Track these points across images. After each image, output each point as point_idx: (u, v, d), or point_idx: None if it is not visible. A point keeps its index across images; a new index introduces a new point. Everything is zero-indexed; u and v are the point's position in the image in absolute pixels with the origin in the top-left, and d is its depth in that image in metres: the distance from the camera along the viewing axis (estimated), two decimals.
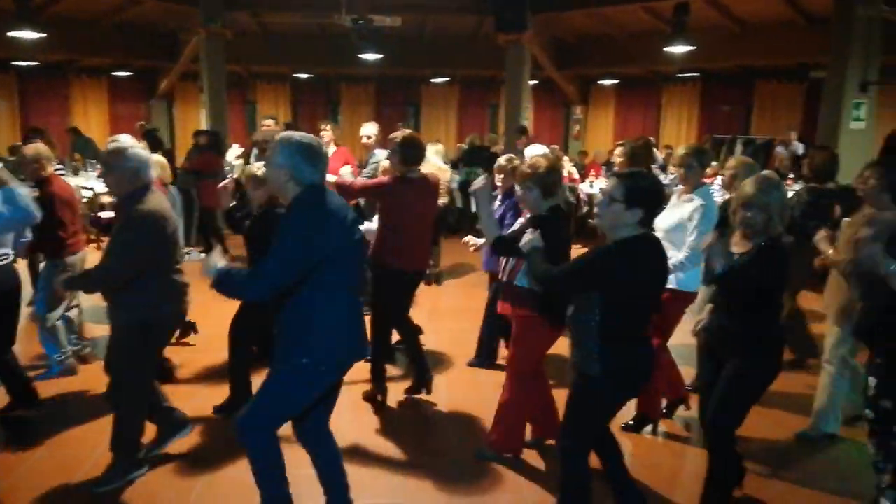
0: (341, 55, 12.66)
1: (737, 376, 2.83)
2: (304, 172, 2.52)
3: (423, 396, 4.32)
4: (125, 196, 3.11)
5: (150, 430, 3.41)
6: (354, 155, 7.08)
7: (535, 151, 4.55)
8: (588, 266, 2.63)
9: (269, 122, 7.65)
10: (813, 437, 3.84)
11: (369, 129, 5.96)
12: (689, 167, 3.81)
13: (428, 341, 4.99)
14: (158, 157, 4.91)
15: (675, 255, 3.61)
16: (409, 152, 3.98)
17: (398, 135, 4.01)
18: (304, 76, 15.73)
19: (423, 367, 4.29)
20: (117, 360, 3.23)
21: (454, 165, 11.91)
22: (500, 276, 3.49)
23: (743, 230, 2.84)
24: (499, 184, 4.64)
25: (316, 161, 2.55)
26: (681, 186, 3.91)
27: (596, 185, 9.91)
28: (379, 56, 10.85)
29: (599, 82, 15.85)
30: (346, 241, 2.56)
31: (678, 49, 9.55)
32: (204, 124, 11.03)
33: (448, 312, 6.34)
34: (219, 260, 2.58)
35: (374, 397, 4.24)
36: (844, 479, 3.46)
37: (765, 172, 3.04)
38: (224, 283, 2.53)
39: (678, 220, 3.75)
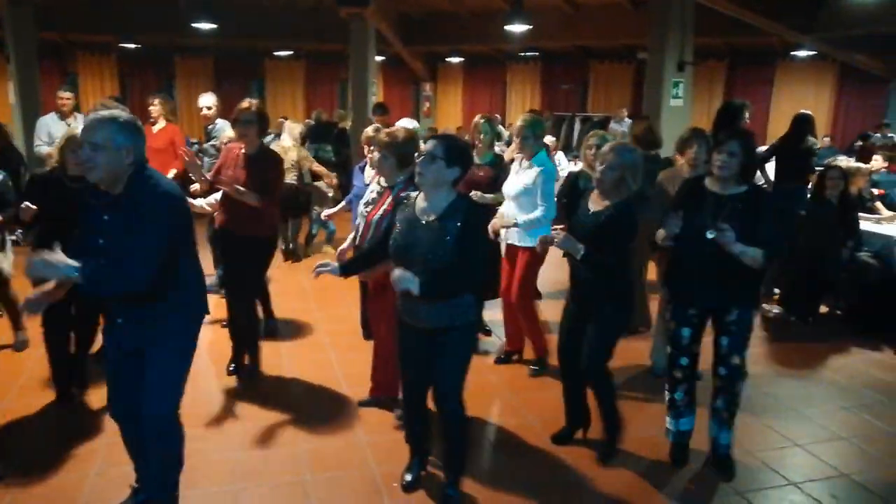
0: (173, 24, 11.79)
1: (604, 322, 3.21)
2: (142, 150, 2.46)
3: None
4: None
5: None
6: (193, 129, 6.59)
7: (405, 125, 4.58)
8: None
9: (67, 94, 6.82)
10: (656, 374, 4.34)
11: (208, 100, 5.71)
12: (525, 137, 4.17)
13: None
14: None
15: (523, 216, 4.10)
16: (266, 124, 4.13)
17: (253, 104, 4.00)
18: (133, 46, 14.49)
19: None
20: None
21: (301, 142, 11.56)
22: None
23: (600, 188, 3.18)
24: (369, 155, 4.55)
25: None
26: (520, 155, 4.28)
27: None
28: (214, 26, 10.19)
29: (447, 59, 16.04)
30: None
31: (517, 28, 9.83)
32: (12, 98, 9.86)
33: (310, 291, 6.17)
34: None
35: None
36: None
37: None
38: (94, 276, 2.32)
39: (524, 185, 4.14)
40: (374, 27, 11.51)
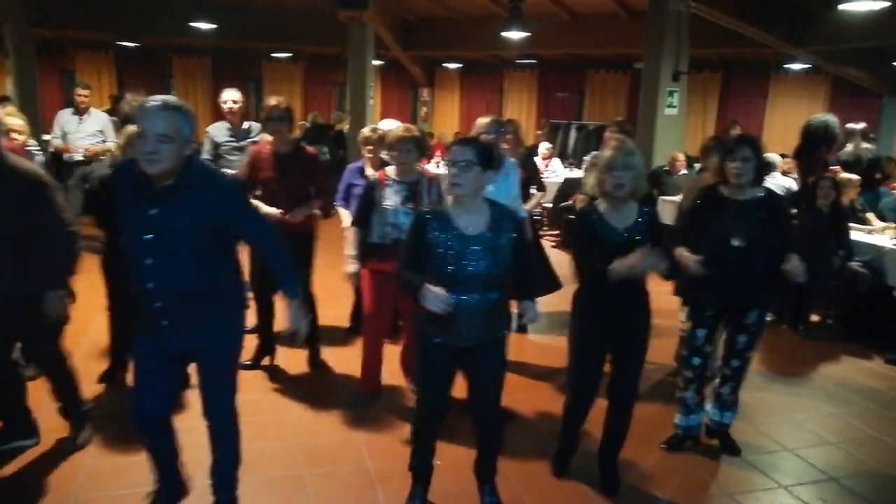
0: (171, 24, 11.82)
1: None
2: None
3: None
4: None
5: None
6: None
7: (390, 125, 4.56)
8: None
9: (85, 91, 7.06)
10: None
11: (234, 94, 5.12)
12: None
13: None
14: (13, 119, 4.30)
15: None
16: (294, 121, 4.22)
17: (281, 101, 4.03)
18: (130, 45, 14.48)
19: None
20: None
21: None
22: None
23: (613, 193, 2.86)
24: (368, 155, 4.47)
25: None
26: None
27: (442, 166, 10.05)
28: (212, 26, 10.21)
29: (444, 65, 16.09)
30: None
31: (514, 35, 9.89)
32: (11, 92, 9.89)
33: None
34: None
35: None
36: None
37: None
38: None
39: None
40: (372, 31, 11.56)
